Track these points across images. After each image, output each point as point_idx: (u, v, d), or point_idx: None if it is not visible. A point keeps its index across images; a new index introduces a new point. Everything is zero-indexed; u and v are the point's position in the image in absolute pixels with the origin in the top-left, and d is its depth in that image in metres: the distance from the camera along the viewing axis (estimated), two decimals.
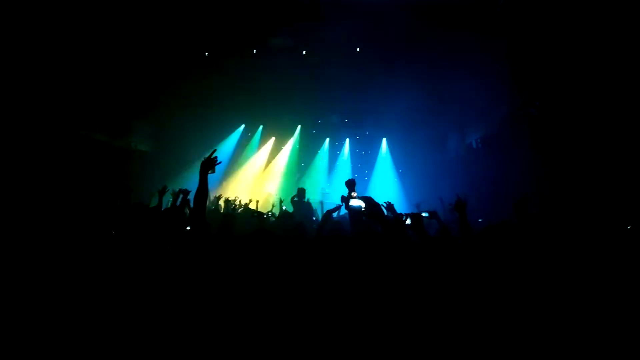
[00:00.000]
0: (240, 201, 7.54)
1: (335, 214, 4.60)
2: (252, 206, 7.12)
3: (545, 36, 6.45)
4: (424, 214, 3.79)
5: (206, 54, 9.50)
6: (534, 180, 6.87)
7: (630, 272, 2.57)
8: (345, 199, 4.26)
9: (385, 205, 4.15)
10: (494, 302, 2.24)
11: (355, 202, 4.07)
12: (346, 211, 4.14)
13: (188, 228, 3.34)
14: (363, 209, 3.93)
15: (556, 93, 6.65)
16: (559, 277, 2.45)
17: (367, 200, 3.62)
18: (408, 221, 3.23)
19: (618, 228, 4.19)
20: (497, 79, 8.13)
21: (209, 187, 2.84)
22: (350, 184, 4.24)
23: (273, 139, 14.13)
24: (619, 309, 2.17)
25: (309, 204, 7.66)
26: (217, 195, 8.09)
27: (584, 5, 5.58)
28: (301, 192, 7.88)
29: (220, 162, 2.84)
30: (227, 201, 7.37)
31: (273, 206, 7.96)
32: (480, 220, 5.48)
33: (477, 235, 3.03)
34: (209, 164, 2.76)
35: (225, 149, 13.21)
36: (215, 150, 2.86)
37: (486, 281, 2.41)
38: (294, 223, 4.55)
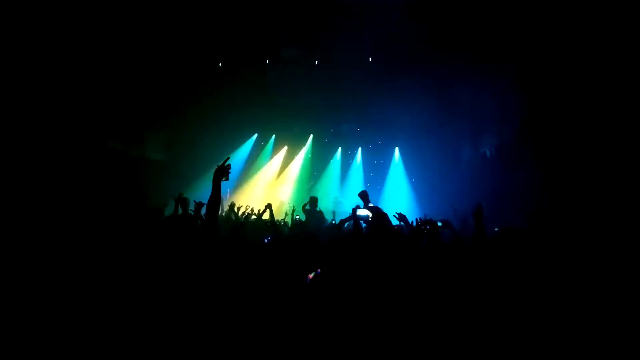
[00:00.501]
0: (252, 209, 7.53)
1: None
2: (266, 216, 7.11)
3: (558, 48, 6.39)
4: (438, 223, 3.76)
5: (220, 64, 9.64)
6: (548, 191, 6.75)
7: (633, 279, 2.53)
8: (354, 209, 4.28)
9: (396, 216, 4.15)
10: (504, 308, 2.21)
11: (362, 212, 4.09)
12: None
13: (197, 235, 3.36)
14: (370, 219, 3.94)
15: (569, 103, 6.56)
16: (566, 285, 2.42)
17: (375, 210, 3.61)
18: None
19: (627, 237, 4.11)
20: (512, 86, 8.06)
21: (223, 194, 2.87)
22: (364, 196, 4.24)
23: (286, 147, 14.20)
24: (622, 313, 2.14)
25: (321, 213, 7.64)
26: (230, 204, 8.10)
27: (597, 17, 5.52)
28: (313, 200, 7.86)
29: (230, 171, 2.87)
30: (234, 210, 7.37)
31: (286, 215, 7.95)
32: (496, 229, 5.39)
33: (490, 242, 3.02)
34: (222, 172, 2.79)
35: (238, 157, 13.33)
36: (228, 158, 2.89)
37: (497, 287, 2.38)
38: (306, 233, 4.55)
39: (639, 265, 2.60)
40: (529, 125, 7.74)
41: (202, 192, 5.48)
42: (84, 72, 7.69)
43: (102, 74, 8.12)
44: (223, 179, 2.79)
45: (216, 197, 2.78)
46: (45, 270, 2.55)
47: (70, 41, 6.97)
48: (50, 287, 2.40)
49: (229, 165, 2.82)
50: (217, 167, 2.79)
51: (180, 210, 5.01)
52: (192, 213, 4.59)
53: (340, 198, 12.83)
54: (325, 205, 9.18)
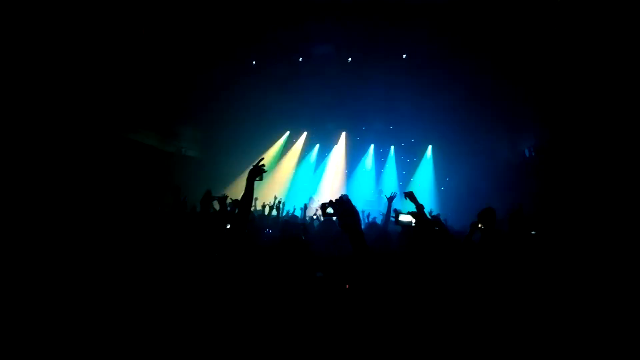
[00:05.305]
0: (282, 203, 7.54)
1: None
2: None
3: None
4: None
5: (254, 62, 9.74)
6: (593, 192, 6.39)
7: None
8: (396, 213, 4.11)
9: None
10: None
11: (405, 218, 3.88)
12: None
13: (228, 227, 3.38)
14: (413, 224, 3.77)
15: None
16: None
17: (419, 216, 3.38)
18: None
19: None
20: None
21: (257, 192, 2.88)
22: (411, 196, 3.79)
23: (318, 145, 14.22)
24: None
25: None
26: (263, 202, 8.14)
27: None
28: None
29: (266, 171, 2.89)
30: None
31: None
32: (533, 232, 5.17)
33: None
34: (257, 172, 2.81)
35: (270, 155, 13.48)
36: (262, 159, 2.90)
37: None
38: (337, 232, 4.47)
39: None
40: (569, 124, 7.33)
41: (234, 189, 5.56)
42: (121, 68, 7.90)
43: (140, 71, 8.34)
44: (257, 179, 2.81)
45: (249, 195, 2.81)
46: (74, 261, 2.62)
47: (105, 38, 7.13)
48: (78, 277, 2.46)
49: (264, 165, 2.84)
50: (251, 167, 2.81)
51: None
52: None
53: (371, 197, 12.72)
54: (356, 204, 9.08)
